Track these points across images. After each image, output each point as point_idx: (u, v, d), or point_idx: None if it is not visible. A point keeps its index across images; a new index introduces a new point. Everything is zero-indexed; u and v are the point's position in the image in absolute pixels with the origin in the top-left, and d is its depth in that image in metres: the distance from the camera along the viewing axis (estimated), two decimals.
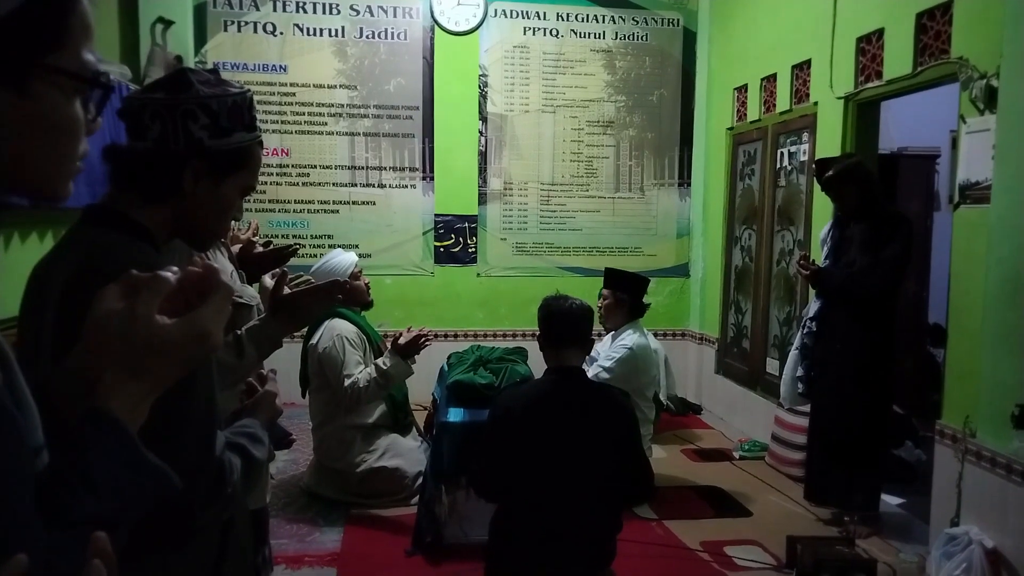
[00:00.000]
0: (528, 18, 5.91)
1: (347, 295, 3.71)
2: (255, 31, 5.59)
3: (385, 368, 3.60)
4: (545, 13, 5.91)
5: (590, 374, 3.51)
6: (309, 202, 5.76)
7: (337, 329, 3.68)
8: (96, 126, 0.75)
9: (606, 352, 3.94)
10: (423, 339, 3.66)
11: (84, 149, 0.74)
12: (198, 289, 0.72)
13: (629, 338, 3.92)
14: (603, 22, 5.97)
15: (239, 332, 1.69)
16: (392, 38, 5.75)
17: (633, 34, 6.01)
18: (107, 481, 0.64)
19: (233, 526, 1.23)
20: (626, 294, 4.00)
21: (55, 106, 0.68)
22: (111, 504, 0.65)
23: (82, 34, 0.70)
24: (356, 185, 5.80)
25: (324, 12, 5.66)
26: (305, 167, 5.73)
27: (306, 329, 3.82)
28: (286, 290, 1.72)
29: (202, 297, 0.72)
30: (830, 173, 3.57)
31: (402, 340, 3.64)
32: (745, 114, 5.39)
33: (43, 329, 1.05)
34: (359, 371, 3.63)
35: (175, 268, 0.72)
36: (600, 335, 4.09)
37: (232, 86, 1.28)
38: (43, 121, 0.68)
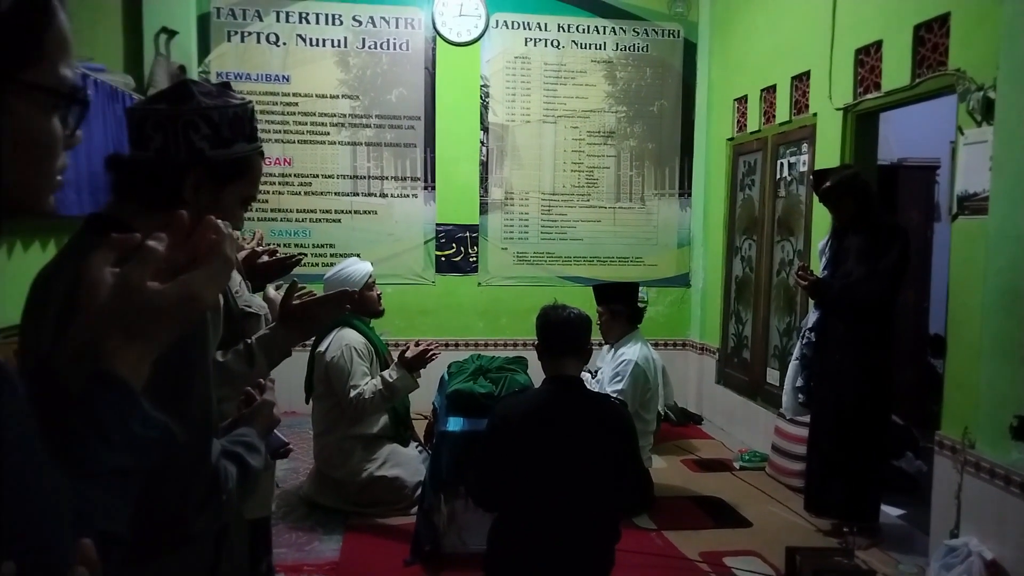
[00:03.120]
0: (529, 29, 5.94)
1: (358, 305, 3.74)
2: (258, 41, 5.63)
3: (391, 381, 3.60)
4: (546, 24, 5.95)
5: None
6: (311, 211, 5.78)
7: (346, 339, 3.68)
8: (75, 141, 0.75)
9: (610, 370, 3.92)
10: (430, 353, 3.67)
11: (63, 163, 0.74)
12: (190, 252, 0.76)
13: (630, 351, 3.91)
14: (604, 33, 6.01)
15: (250, 341, 1.71)
16: (394, 48, 5.78)
17: (634, 45, 6.05)
18: (120, 436, 0.70)
19: (228, 534, 1.23)
20: (620, 304, 4.00)
21: (32, 122, 0.69)
22: (126, 457, 0.71)
23: (59, 49, 0.70)
24: (358, 194, 5.83)
25: (327, 23, 5.70)
26: (307, 176, 5.76)
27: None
28: (295, 300, 1.75)
29: (190, 258, 0.76)
30: (827, 184, 3.59)
31: (409, 354, 3.64)
32: (745, 125, 5.42)
33: (45, 337, 1.06)
34: (365, 382, 3.63)
35: (163, 235, 0.74)
36: (601, 344, 4.10)
37: (233, 97, 1.30)
38: (20, 137, 0.68)
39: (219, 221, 0.78)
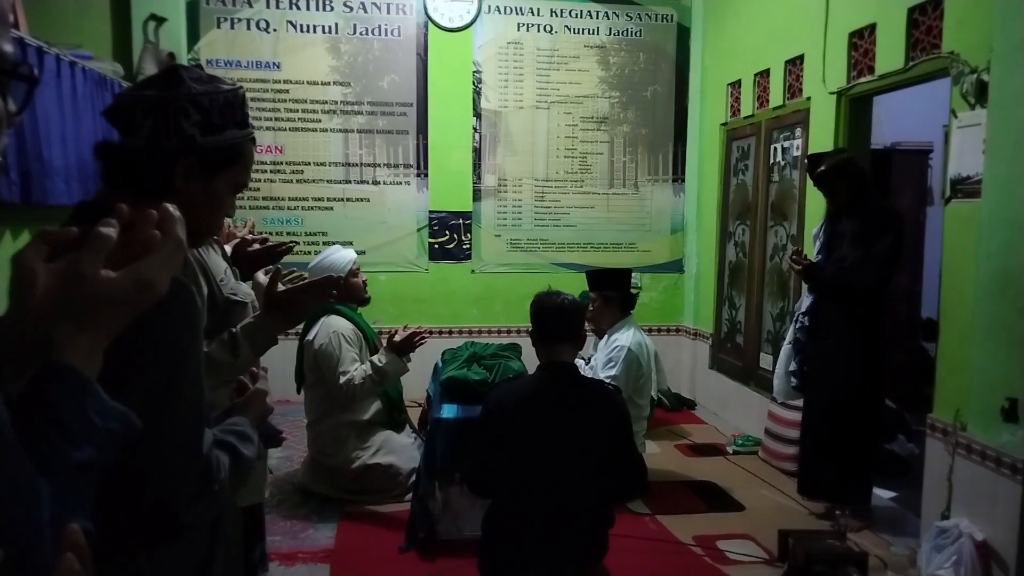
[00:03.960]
0: (522, 14, 5.90)
1: (343, 292, 3.73)
2: (248, 28, 5.58)
3: (380, 365, 3.61)
4: (539, 9, 5.91)
5: None
6: (303, 199, 5.75)
7: (333, 326, 3.68)
8: (16, 119, 0.71)
9: (603, 356, 3.93)
10: (418, 337, 3.67)
11: (3, 143, 0.71)
12: (142, 237, 0.74)
13: (623, 337, 3.91)
14: (597, 18, 5.97)
15: (234, 330, 1.69)
16: (386, 34, 5.74)
17: (627, 30, 6.02)
18: (81, 429, 0.68)
19: (222, 524, 1.23)
20: (612, 291, 4.01)
21: None
22: (88, 450, 0.68)
23: None
24: (350, 182, 5.80)
25: (317, 8, 5.65)
26: (299, 164, 5.73)
27: (302, 325, 3.82)
28: (280, 287, 1.73)
29: (146, 245, 0.73)
30: (822, 168, 3.59)
31: (397, 337, 3.65)
32: (739, 109, 5.40)
33: None
34: (354, 368, 3.63)
35: (114, 221, 0.72)
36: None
37: (224, 83, 1.28)
38: None
39: (168, 205, 0.76)
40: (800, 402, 3.91)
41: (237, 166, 1.30)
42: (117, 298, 0.70)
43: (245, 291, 1.93)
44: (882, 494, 3.93)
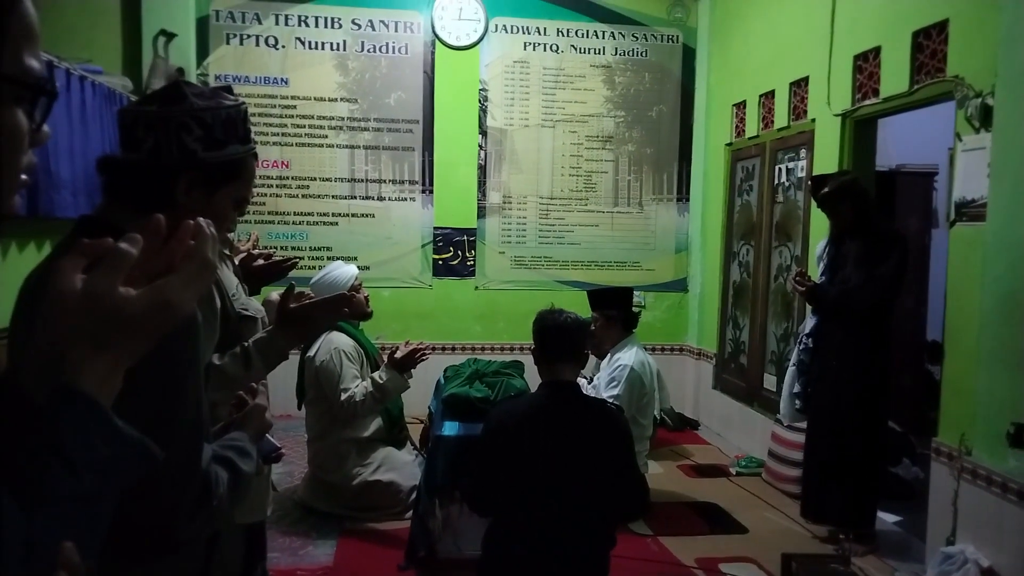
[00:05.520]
0: (528, 33, 5.94)
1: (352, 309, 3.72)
2: (257, 44, 5.63)
3: (381, 382, 3.59)
4: (545, 29, 5.95)
5: None
6: (308, 214, 5.77)
7: (335, 342, 3.67)
8: (43, 137, 0.69)
9: (606, 375, 3.91)
10: (420, 353, 3.66)
11: (29, 161, 0.68)
12: (167, 256, 0.69)
13: (626, 356, 3.90)
14: (603, 38, 6.01)
15: (247, 344, 1.70)
16: (393, 52, 5.78)
17: (633, 50, 6.05)
18: (83, 457, 0.63)
19: (219, 539, 1.22)
20: (615, 310, 4.00)
21: None
22: (90, 480, 0.64)
23: (22, 37, 0.64)
24: (356, 198, 5.82)
25: (326, 26, 5.70)
26: (305, 179, 5.75)
27: None
28: (294, 304, 1.75)
29: (170, 263, 0.69)
30: (826, 190, 3.59)
31: (399, 354, 3.63)
32: (743, 130, 5.42)
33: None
34: (355, 385, 3.62)
35: (137, 236, 0.68)
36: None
37: (226, 98, 1.29)
38: None
39: (202, 221, 0.72)
40: (804, 424, 3.88)
41: (239, 181, 1.31)
42: (135, 318, 0.65)
43: (256, 306, 1.94)
44: (887, 518, 3.89)
